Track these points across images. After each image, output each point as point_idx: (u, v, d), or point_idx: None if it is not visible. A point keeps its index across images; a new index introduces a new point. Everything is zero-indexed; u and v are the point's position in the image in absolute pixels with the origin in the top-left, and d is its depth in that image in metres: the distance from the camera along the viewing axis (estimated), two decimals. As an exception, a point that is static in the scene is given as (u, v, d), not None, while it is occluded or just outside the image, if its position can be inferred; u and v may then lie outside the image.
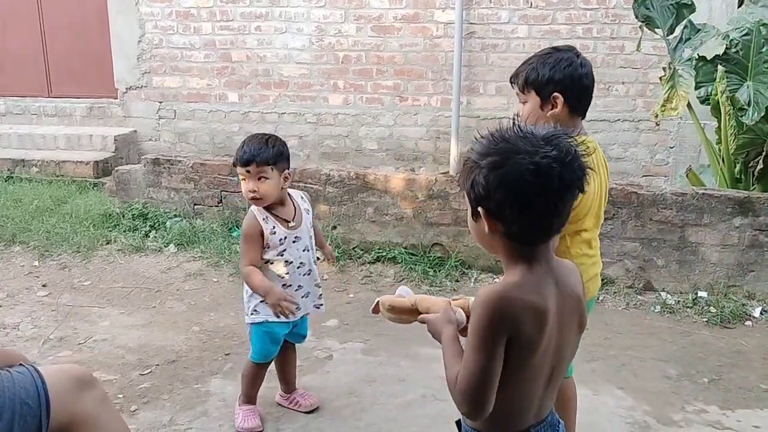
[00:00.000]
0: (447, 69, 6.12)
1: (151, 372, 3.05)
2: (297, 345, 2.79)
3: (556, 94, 1.92)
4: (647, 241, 3.97)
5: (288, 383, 2.79)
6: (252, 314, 2.53)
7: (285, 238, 2.50)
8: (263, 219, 2.48)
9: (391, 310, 1.56)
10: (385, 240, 4.48)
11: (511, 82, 2.03)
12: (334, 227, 4.61)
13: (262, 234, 2.46)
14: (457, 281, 4.17)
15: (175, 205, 5.01)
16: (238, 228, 4.79)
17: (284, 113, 6.56)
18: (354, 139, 6.35)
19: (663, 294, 3.92)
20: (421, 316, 1.48)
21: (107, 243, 4.69)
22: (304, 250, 2.56)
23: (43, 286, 4.05)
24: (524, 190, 1.17)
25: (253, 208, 2.50)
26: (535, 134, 1.20)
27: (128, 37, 6.72)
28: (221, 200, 4.91)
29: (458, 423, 1.43)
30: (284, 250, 2.50)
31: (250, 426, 2.59)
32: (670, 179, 5.85)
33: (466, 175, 1.25)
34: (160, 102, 6.81)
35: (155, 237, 4.76)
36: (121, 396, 2.82)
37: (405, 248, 4.41)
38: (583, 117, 2.03)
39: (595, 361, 3.16)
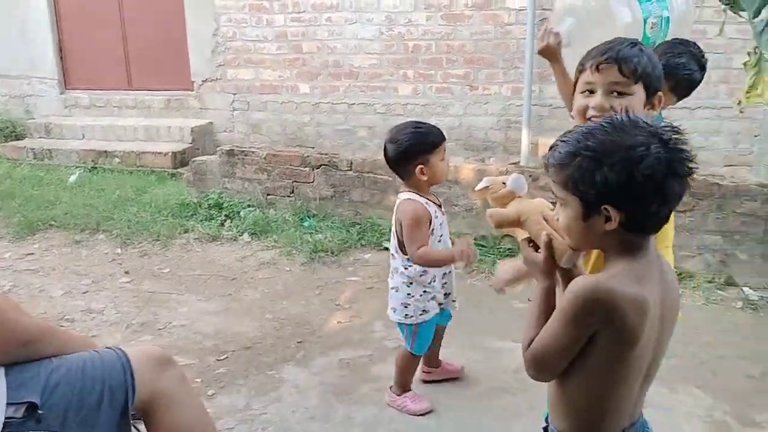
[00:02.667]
0: (518, 57, 6.01)
1: (227, 357, 3.16)
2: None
3: (650, 89, 1.65)
4: (729, 234, 3.80)
5: (436, 358, 2.89)
6: (421, 314, 2.57)
7: (442, 223, 2.57)
8: (425, 203, 2.51)
9: (496, 222, 1.46)
10: (454, 230, 4.43)
11: (598, 66, 1.62)
12: (403, 218, 4.63)
13: (430, 219, 2.50)
14: (528, 273, 4.12)
15: (249, 195, 5.15)
16: (309, 218, 4.89)
17: (354, 104, 6.61)
18: (422, 128, 6.33)
19: (745, 289, 3.75)
20: (526, 253, 1.39)
21: (185, 231, 4.87)
22: (449, 236, 2.64)
23: (126, 272, 4.25)
24: (660, 181, 1.16)
25: (409, 194, 2.51)
26: (644, 124, 1.20)
27: (203, 31, 6.92)
28: (293, 191, 5.02)
29: (545, 429, 1.43)
30: (441, 235, 2.57)
31: (425, 406, 2.69)
32: (755, 169, 5.55)
33: (581, 175, 1.20)
34: (234, 94, 6.99)
35: (230, 226, 4.91)
36: (198, 380, 2.93)
37: (475, 239, 4.37)
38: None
39: (673, 357, 3.06)
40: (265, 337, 3.37)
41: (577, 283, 1.21)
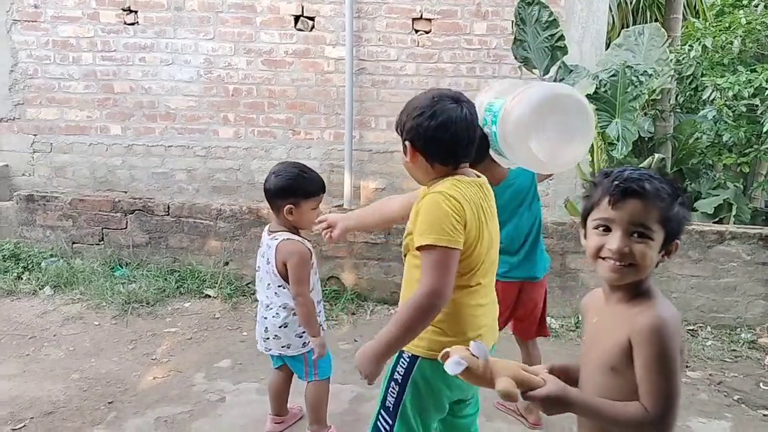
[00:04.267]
0: (339, 104, 6.19)
1: (24, 426, 2.81)
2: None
3: (406, 142, 1.85)
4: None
5: (285, 406, 2.87)
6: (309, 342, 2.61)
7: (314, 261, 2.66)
8: (303, 242, 2.57)
9: (466, 376, 1.36)
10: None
11: None
12: (227, 263, 4.49)
13: (312, 259, 2.60)
14: (353, 314, 4.18)
15: (52, 244, 4.70)
16: (121, 267, 4.56)
17: (171, 146, 6.35)
18: (246, 172, 6.24)
19: (548, 318, 4.10)
20: (530, 394, 1.34)
21: (-28, 287, 4.30)
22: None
23: None
24: None
25: (286, 234, 2.56)
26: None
27: (-2, 66, 6.29)
28: (102, 238, 4.66)
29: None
30: (316, 272, 2.67)
31: None
32: (550, 209, 6.18)
33: (679, 215, 1.38)
34: (35, 135, 6.39)
35: (29, 279, 4.42)
36: (-12, 456, 2.57)
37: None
38: (455, 166, 1.84)
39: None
40: (71, 399, 3.05)
41: (649, 324, 1.31)
